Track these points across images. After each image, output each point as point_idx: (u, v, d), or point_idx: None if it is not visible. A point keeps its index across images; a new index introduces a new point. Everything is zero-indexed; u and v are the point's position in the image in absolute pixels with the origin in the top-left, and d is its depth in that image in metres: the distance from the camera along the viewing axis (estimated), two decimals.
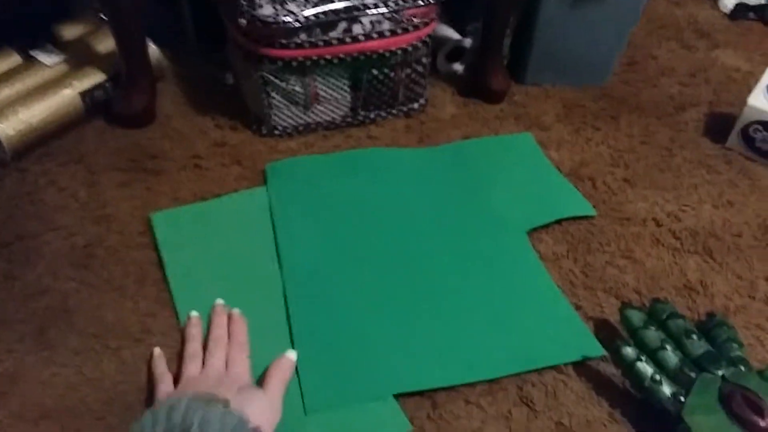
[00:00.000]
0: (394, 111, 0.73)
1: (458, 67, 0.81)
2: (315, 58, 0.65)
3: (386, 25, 0.65)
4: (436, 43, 0.80)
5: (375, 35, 0.65)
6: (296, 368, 0.48)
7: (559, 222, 0.62)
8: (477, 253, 0.58)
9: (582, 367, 0.51)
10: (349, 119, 0.72)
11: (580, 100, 0.78)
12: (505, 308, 0.54)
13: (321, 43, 0.64)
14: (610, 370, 0.50)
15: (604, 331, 0.53)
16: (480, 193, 0.64)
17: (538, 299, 0.55)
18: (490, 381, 0.49)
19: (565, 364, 0.50)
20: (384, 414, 0.46)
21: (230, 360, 0.47)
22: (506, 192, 0.64)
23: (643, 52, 0.85)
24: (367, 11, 0.64)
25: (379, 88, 0.70)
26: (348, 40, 0.64)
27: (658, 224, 0.63)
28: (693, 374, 0.46)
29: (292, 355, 0.48)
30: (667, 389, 0.45)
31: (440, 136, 0.72)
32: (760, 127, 0.68)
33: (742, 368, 0.46)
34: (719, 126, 0.73)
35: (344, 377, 0.48)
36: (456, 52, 0.80)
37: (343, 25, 0.64)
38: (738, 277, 0.58)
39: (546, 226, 0.62)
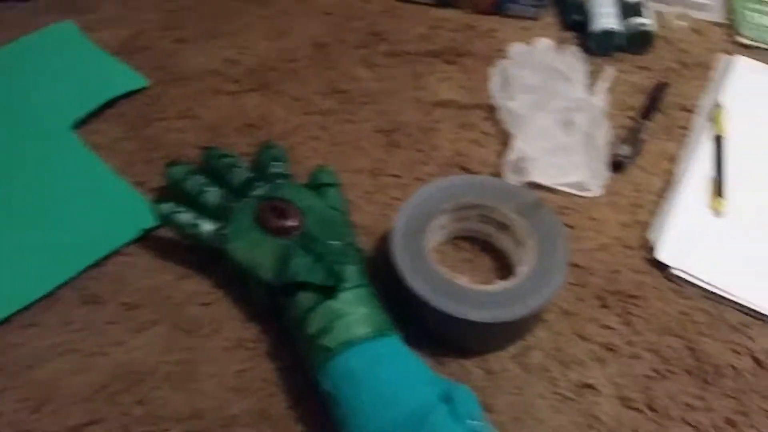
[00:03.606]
0: None
1: None
2: None
3: None
4: None
5: None
6: None
7: (112, 106, 0.58)
8: (20, 166, 0.52)
9: (148, 241, 0.49)
10: None
11: None
12: (53, 213, 0.49)
13: None
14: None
15: (167, 199, 0.51)
16: (16, 102, 0.56)
17: (90, 191, 0.51)
18: (47, 297, 0.45)
19: (128, 245, 0.48)
20: None
21: None
22: (47, 90, 0.57)
23: None
24: None
25: None
26: None
27: (218, 74, 0.61)
28: (234, 205, 0.47)
29: None
30: (209, 227, 0.45)
31: None
32: None
33: (280, 182, 0.48)
34: None
35: None
36: None
37: None
38: (295, 100, 0.60)
39: (100, 114, 0.57)
